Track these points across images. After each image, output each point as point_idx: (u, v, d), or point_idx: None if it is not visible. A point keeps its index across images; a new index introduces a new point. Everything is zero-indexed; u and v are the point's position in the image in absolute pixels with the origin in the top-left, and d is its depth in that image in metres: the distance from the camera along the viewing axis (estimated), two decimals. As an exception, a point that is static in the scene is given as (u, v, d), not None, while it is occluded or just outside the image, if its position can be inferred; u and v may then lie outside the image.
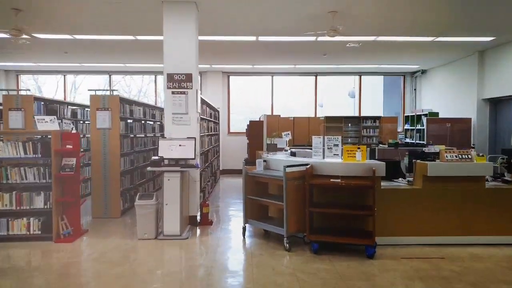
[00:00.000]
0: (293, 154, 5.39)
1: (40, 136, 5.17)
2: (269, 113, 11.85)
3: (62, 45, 8.39)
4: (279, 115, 9.62)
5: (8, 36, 7.37)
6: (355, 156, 4.42)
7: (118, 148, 6.28)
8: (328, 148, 4.58)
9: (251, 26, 6.99)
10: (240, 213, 6.68)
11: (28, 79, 12.83)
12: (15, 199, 4.92)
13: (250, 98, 13.02)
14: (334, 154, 4.55)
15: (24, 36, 7.29)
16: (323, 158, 4.64)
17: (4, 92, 6.21)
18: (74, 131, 5.17)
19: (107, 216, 6.22)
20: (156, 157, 5.22)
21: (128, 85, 13.86)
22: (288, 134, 6.05)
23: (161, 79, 12.42)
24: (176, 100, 5.69)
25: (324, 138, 4.61)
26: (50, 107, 7.09)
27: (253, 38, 7.79)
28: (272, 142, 6.47)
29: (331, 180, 4.24)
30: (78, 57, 9.84)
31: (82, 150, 7.89)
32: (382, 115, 11.14)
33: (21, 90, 6.34)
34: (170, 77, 5.67)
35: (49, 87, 13.24)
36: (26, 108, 6.21)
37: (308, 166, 4.37)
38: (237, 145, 12.22)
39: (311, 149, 5.03)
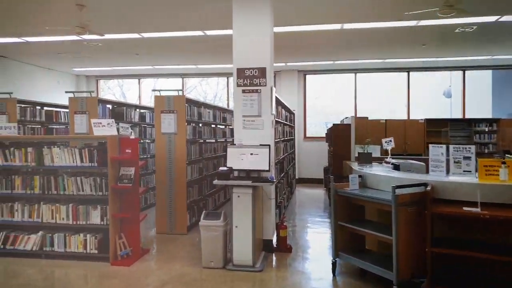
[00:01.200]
0: (396, 167, 4.14)
1: (97, 143, 4.61)
2: (352, 116, 10.53)
3: (132, 46, 8.05)
4: (367, 118, 8.29)
5: (78, 38, 7.17)
6: (498, 174, 3.07)
7: (185, 155, 5.56)
8: (454, 162, 3.28)
9: (335, 11, 5.86)
10: (323, 236, 5.57)
11: (114, 86, 12.99)
12: (71, 213, 4.39)
13: (328, 99, 11.74)
14: (465, 171, 3.24)
15: (93, 37, 7.01)
16: (447, 175, 3.35)
17: (70, 95, 5.86)
18: (133, 136, 4.53)
19: (172, 232, 5.53)
20: (224, 168, 4.35)
21: (204, 90, 13.47)
22: (391, 141, 4.80)
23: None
24: (247, 99, 4.78)
25: (448, 148, 3.32)
26: (117, 110, 6.67)
27: (337, 27, 6.63)
28: (366, 151, 5.26)
29: (465, 209, 2.94)
30: (150, 59, 9.53)
31: (146, 156, 7.41)
32: (494, 117, 9.18)
33: (84, 92, 5.90)
34: (240, 73, 4.79)
35: (133, 92, 13.28)
36: (90, 111, 5.79)
37: (427, 188, 3.13)
38: (314, 152, 11.09)
39: (413, 159, 3.78)
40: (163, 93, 5.76)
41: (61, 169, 4.45)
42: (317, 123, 11.70)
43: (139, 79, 12.05)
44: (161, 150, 5.60)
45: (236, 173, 4.58)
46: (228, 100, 11.73)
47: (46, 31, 6.67)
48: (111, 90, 12.74)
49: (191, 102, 6.13)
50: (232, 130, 8.77)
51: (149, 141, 7.78)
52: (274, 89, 4.81)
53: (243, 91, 4.79)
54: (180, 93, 5.72)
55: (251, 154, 4.49)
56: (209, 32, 6.98)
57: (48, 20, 6.13)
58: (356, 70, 10.98)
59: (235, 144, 4.66)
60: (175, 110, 5.62)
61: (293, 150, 9.65)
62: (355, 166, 5.14)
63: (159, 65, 10.45)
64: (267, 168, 4.45)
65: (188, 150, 5.82)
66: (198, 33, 6.99)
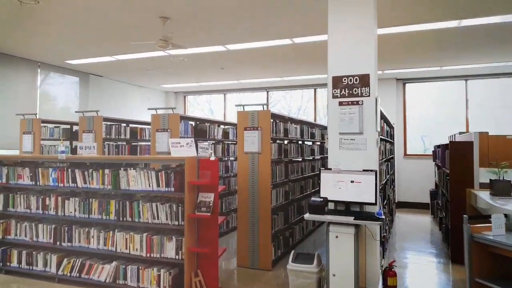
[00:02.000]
0: None
1: (176, 164, 4.15)
2: (463, 130, 8.95)
3: (217, 59, 7.73)
4: (487, 133, 6.77)
5: (163, 53, 7.03)
6: None
7: (269, 177, 4.88)
8: None
9: (453, 4, 4.73)
10: (442, 286, 4.38)
11: (202, 101, 12.99)
12: (145, 243, 3.97)
13: (425, 109, 10.12)
14: None
15: (178, 51, 6.80)
16: None
17: (153, 111, 5.61)
18: (213, 157, 3.97)
19: (254, 267, 4.85)
20: (317, 199, 3.54)
21: (288, 104, 12.78)
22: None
23: (321, 93, 10.92)
24: (346, 113, 3.93)
25: None
26: (200, 127, 6.30)
27: (454, 24, 5.45)
28: (501, 177, 4.03)
29: None
30: (235, 73, 9.19)
31: (229, 175, 6.91)
32: None
33: (166, 108, 5.60)
34: (337, 81, 3.97)
35: (220, 108, 13.13)
36: (172, 128, 5.45)
37: None
38: (416, 172, 9.66)
39: None
40: (246, 108, 5.19)
41: (137, 193, 4.07)
42: (411, 138, 10.20)
43: (224, 94, 11.88)
44: (243, 172, 5.00)
45: (331, 205, 3.74)
46: (315, 113, 10.89)
47: (131, 47, 6.64)
48: (199, 106, 12.74)
49: (276, 117, 5.47)
50: (321, 147, 7.91)
51: (232, 158, 7.32)
52: (379, 100, 3.90)
53: (340, 104, 3.96)
54: (265, 107, 5.09)
55: (352, 181, 3.62)
56: (297, 40, 6.30)
57: (134, 34, 6.04)
58: (466, 77, 9.37)
59: (330, 169, 3.83)
60: (259, 127, 5.00)
61: (393, 170, 8.41)
62: (485, 197, 3.95)
63: (244, 79, 10.09)
64: (373, 201, 3.53)
65: (273, 171, 5.14)
66: (286, 41, 6.35)
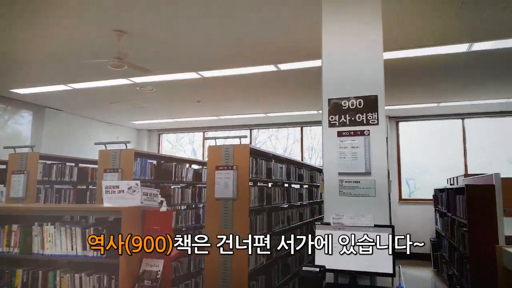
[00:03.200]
0: None
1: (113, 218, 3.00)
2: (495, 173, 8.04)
3: (191, 89, 6.79)
4: (499, 174, 5.85)
5: (127, 81, 6.06)
6: None
7: (247, 230, 3.76)
8: None
9: (463, 26, 3.94)
10: None
11: (186, 143, 11.77)
12: (63, 332, 2.72)
13: (412, 150, 9.22)
14: None
15: (145, 79, 5.84)
16: None
17: (102, 147, 4.52)
18: (164, 207, 2.87)
19: None
20: (311, 269, 2.44)
21: (274, 146, 11.79)
22: None
23: (308, 132, 10.03)
24: (347, 147, 2.94)
25: None
26: (164, 167, 5.20)
27: (462, 49, 4.66)
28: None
29: None
30: (214, 107, 8.24)
31: (201, 226, 5.71)
32: None
33: (118, 142, 4.51)
34: (335, 106, 3.01)
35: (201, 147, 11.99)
36: (124, 168, 4.34)
37: None
38: (413, 217, 8.64)
39: None
40: (220, 142, 4.16)
41: (54, 259, 2.87)
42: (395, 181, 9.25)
43: (203, 132, 10.85)
44: (212, 223, 3.87)
45: (330, 276, 2.63)
46: (302, 152, 9.92)
47: (88, 74, 5.66)
48: (182, 147, 11.58)
49: (257, 154, 4.43)
50: (309, 191, 6.85)
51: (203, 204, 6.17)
52: (387, 130, 2.92)
53: (340, 134, 2.96)
54: (243, 141, 4.07)
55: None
56: (283, 66, 5.43)
57: (86, 54, 5.06)
58: (463, 116, 8.67)
59: (328, 223, 2.75)
60: (234, 166, 3.94)
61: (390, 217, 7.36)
62: None
63: (224, 115, 9.14)
64: (391, 270, 2.44)
65: (252, 222, 4.02)
66: (270, 67, 5.47)
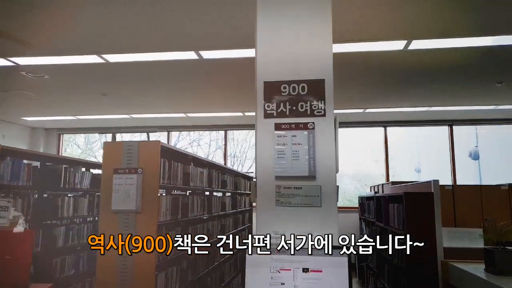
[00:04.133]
0: None
1: None
2: (433, 180, 7.99)
3: (95, 78, 5.67)
4: (437, 182, 5.67)
5: (10, 63, 4.78)
6: None
7: (153, 254, 2.91)
8: None
9: (403, 20, 3.61)
10: None
11: (99, 148, 10.14)
12: None
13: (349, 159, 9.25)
14: None
15: (33, 61, 4.64)
16: None
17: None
18: (20, 226, 1.92)
19: None
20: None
21: (196, 152, 10.84)
22: None
23: (230, 137, 9.36)
24: (287, 143, 2.29)
25: None
26: (51, 169, 4.07)
27: (400, 45, 4.37)
28: (501, 246, 2.71)
29: None
30: (124, 103, 7.13)
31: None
32: None
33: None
34: (272, 90, 2.34)
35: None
36: (-15, 170, 3.17)
37: None
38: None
39: None
40: (120, 138, 3.24)
41: None
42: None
43: (113, 134, 9.53)
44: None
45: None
46: (225, 157, 9.20)
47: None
48: (93, 153, 10.03)
49: (171, 155, 3.59)
50: (233, 199, 6.14)
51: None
52: (338, 121, 2.32)
53: (278, 127, 2.29)
54: (151, 137, 3.20)
55: (305, 271, 1.87)
56: (206, 55, 4.66)
57: None
58: (385, 123, 8.75)
59: (264, 247, 2.04)
60: (140, 169, 3.06)
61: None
62: (478, 273, 2.58)
63: (136, 113, 8.04)
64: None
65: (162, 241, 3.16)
66: (190, 55, 4.67)
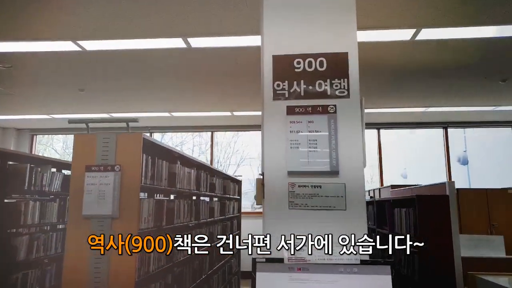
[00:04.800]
0: None
1: None
2: (446, 181, 7.63)
3: (71, 70, 5.10)
4: (453, 183, 5.28)
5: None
6: None
7: (133, 265, 2.40)
8: None
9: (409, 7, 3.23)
10: None
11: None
12: None
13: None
14: None
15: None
16: None
17: None
18: None
19: None
20: None
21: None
22: None
23: (216, 139, 8.86)
24: (302, 130, 1.84)
25: None
26: (12, 169, 3.50)
27: (408, 35, 4.00)
28: None
29: None
30: (103, 99, 6.55)
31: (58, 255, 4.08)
32: None
33: None
34: (283, 67, 1.90)
35: None
36: None
37: None
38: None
39: None
40: (95, 126, 2.73)
41: None
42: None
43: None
44: (76, 259, 2.41)
45: None
46: (212, 156, 8.68)
47: None
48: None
49: (154, 151, 3.09)
50: (221, 204, 5.64)
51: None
52: (363, 103, 1.89)
53: (291, 111, 1.85)
54: (131, 126, 2.72)
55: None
56: (195, 43, 4.19)
57: None
58: (379, 125, 8.40)
59: (280, 260, 1.57)
60: (117, 166, 2.57)
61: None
62: None
63: (117, 112, 7.45)
64: None
65: (142, 255, 2.66)
66: (178, 43, 4.18)
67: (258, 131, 8.47)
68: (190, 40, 4.11)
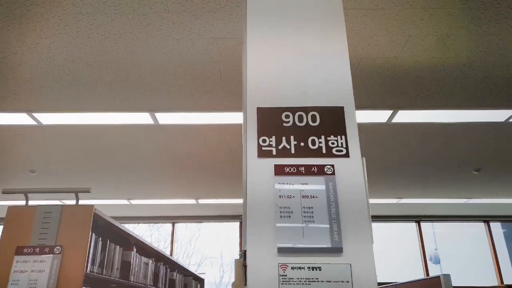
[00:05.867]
0: None
1: None
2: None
3: (24, 148, 4.63)
4: (448, 276, 4.87)
5: None
6: None
7: None
8: None
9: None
10: None
11: None
12: None
13: None
14: None
15: None
16: None
17: None
18: None
19: None
20: None
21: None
22: None
23: (179, 233, 8.19)
24: (294, 195, 1.49)
25: None
26: None
27: (384, 117, 3.98)
28: None
29: None
30: (52, 181, 5.94)
31: None
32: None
33: None
34: (270, 121, 1.62)
35: None
36: None
37: None
38: None
39: None
40: (36, 199, 2.24)
41: None
42: None
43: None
44: None
45: None
46: (171, 251, 7.84)
47: None
48: None
49: (106, 232, 2.56)
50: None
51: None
52: (364, 164, 1.60)
53: (280, 171, 1.52)
54: (80, 199, 2.27)
55: None
56: (161, 117, 3.94)
57: None
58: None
59: None
60: (57, 248, 2.04)
61: None
62: None
63: (69, 200, 6.77)
64: None
65: None
66: (144, 118, 3.92)
67: (223, 223, 7.92)
68: (157, 115, 3.87)
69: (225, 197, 6.57)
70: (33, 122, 3.96)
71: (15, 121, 3.95)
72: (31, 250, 2.05)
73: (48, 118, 3.88)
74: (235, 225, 7.94)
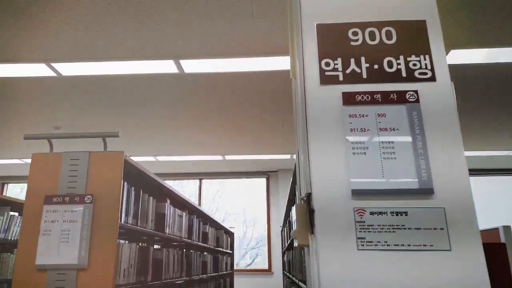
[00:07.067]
0: None
1: None
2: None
3: (46, 100, 4.47)
4: (509, 228, 4.67)
5: None
6: None
7: None
8: None
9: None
10: None
11: None
12: None
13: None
14: None
15: None
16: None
17: None
18: None
19: None
20: None
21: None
22: None
23: (207, 185, 8.13)
24: (369, 128, 1.20)
25: None
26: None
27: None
28: None
29: None
30: (77, 139, 5.86)
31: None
32: None
33: None
34: (334, 39, 1.31)
35: None
36: None
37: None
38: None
39: None
40: (60, 145, 2.05)
41: None
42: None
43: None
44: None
45: None
46: (199, 202, 7.84)
47: None
48: None
49: (138, 180, 2.39)
50: (215, 259, 4.82)
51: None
52: (453, 88, 1.30)
53: (349, 100, 1.23)
54: (108, 143, 2.08)
55: None
56: (188, 66, 3.64)
57: None
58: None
59: None
60: (88, 196, 1.87)
61: None
62: None
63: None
64: None
65: (119, 323, 1.88)
66: (168, 67, 3.63)
67: (247, 179, 7.82)
68: (182, 63, 3.57)
69: (252, 153, 6.39)
70: (52, 74, 3.75)
71: (34, 73, 3.74)
72: (60, 199, 1.89)
73: (67, 68, 3.66)
74: (258, 181, 7.86)
